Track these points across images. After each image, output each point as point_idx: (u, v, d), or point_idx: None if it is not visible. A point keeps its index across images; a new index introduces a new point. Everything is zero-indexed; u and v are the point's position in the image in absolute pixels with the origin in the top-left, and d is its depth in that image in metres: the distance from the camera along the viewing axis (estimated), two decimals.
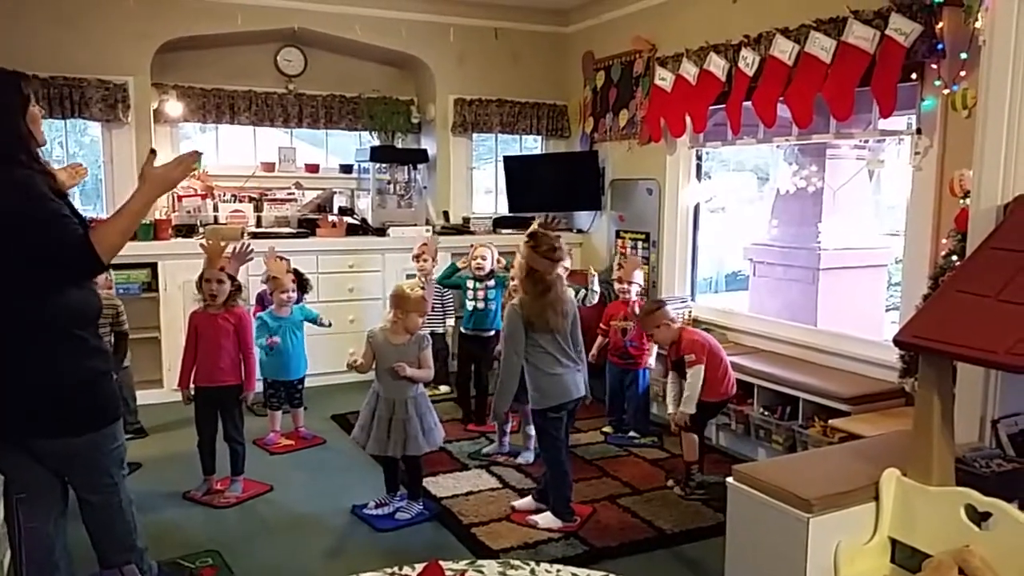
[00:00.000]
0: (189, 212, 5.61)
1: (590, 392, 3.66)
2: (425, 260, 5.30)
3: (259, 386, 4.49)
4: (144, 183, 2.45)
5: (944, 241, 3.55)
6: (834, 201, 6.47)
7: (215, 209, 5.77)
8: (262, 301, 4.84)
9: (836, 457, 2.91)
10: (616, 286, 4.78)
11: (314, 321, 4.60)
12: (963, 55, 3.49)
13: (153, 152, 2.57)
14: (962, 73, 3.52)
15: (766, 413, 4.24)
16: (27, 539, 2.19)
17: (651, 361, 4.62)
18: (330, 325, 4.70)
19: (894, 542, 2.47)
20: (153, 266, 5.22)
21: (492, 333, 4.78)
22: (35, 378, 2.36)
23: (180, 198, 5.63)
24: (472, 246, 5.07)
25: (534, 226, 3.54)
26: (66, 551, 2.59)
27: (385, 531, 3.49)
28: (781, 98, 4.39)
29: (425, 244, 5.39)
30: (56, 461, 2.50)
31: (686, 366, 3.78)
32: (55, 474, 2.53)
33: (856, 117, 4.19)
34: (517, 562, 1.88)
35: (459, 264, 5.10)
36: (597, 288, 4.60)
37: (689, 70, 5.04)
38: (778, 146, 5.52)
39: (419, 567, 1.74)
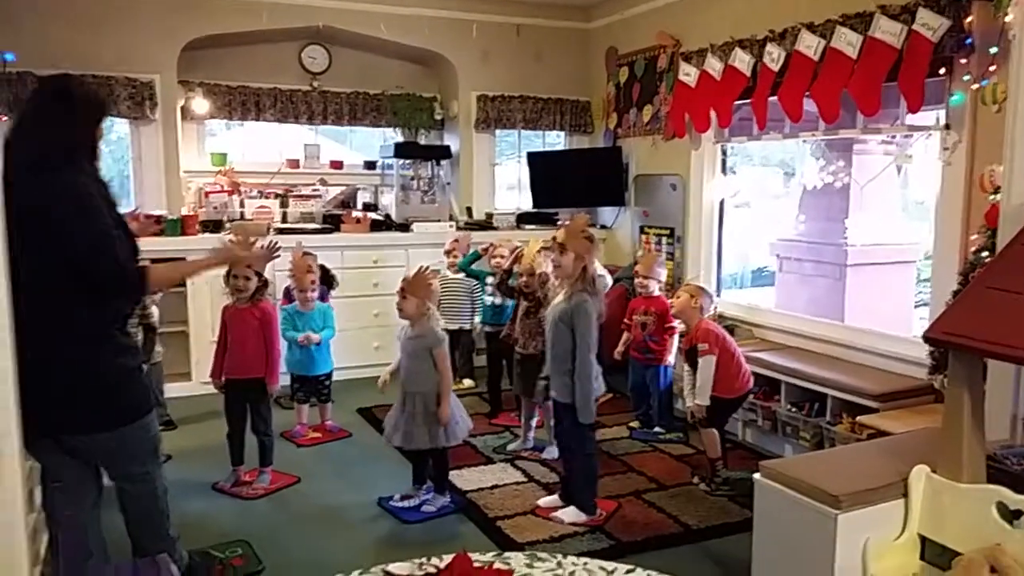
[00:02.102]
0: (216, 208, 5.67)
1: (615, 387, 3.64)
2: (455, 256, 5.38)
3: (286, 379, 4.54)
4: (214, 255, 2.83)
5: (974, 237, 3.51)
6: (861, 197, 6.41)
7: (241, 205, 5.82)
8: (288, 295, 4.88)
9: (864, 453, 2.90)
10: (636, 280, 4.78)
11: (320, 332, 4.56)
12: (992, 49, 3.45)
13: (241, 234, 2.84)
14: (992, 67, 3.48)
15: (793, 409, 4.22)
16: (62, 526, 2.25)
17: (670, 359, 4.61)
18: (319, 344, 4.56)
19: (924, 539, 2.46)
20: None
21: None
22: (66, 376, 2.42)
23: (207, 194, 5.69)
24: (491, 244, 5.09)
25: (580, 221, 3.49)
26: (101, 539, 2.65)
27: (411, 523, 3.52)
28: (807, 93, 4.36)
29: (456, 240, 5.47)
30: (89, 455, 2.55)
31: (698, 355, 3.78)
32: (89, 465, 2.58)
33: (883, 112, 4.15)
34: (544, 555, 1.90)
35: (479, 251, 5.13)
36: (603, 272, 4.57)
37: (714, 65, 5.02)
38: (804, 141, 5.48)
39: (447, 558, 1.76)
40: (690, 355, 3.92)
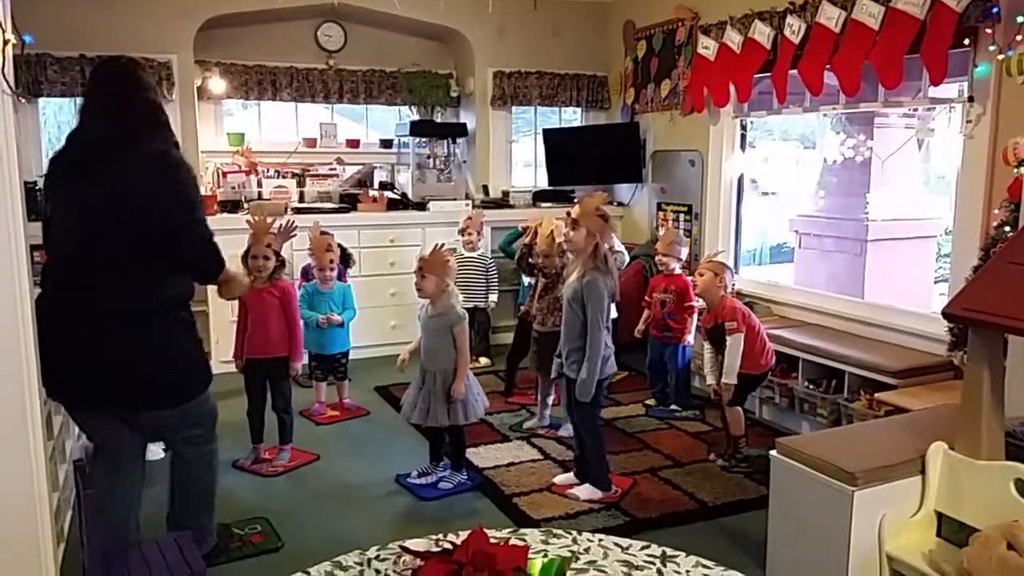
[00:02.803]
0: (234, 188, 5.69)
1: (632, 365, 3.62)
2: (470, 234, 5.40)
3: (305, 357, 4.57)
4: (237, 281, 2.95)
5: (996, 211, 3.46)
6: (882, 171, 6.34)
7: (259, 185, 5.83)
8: (307, 274, 4.91)
9: (882, 430, 2.89)
10: (656, 258, 4.75)
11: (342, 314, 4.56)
12: (1020, 18, 3.38)
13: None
14: (1018, 37, 3.41)
15: (811, 386, 4.19)
16: (86, 504, 2.27)
17: (690, 339, 4.59)
18: (342, 326, 4.59)
19: (940, 516, 2.45)
20: None
21: None
22: (137, 354, 2.46)
23: (225, 174, 5.71)
24: (527, 225, 5.04)
25: (596, 199, 3.47)
26: (135, 516, 2.67)
27: (428, 500, 3.56)
28: (828, 66, 4.30)
29: (470, 218, 5.49)
30: (153, 429, 2.63)
31: (726, 333, 3.75)
32: (142, 438, 2.64)
33: (905, 85, 4.08)
34: (559, 531, 1.91)
35: (520, 228, 5.09)
36: (620, 247, 4.54)
37: (733, 38, 4.95)
38: (825, 115, 5.41)
39: (464, 534, 1.77)
40: (712, 333, 3.88)
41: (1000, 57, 3.50)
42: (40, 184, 5.15)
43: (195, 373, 2.64)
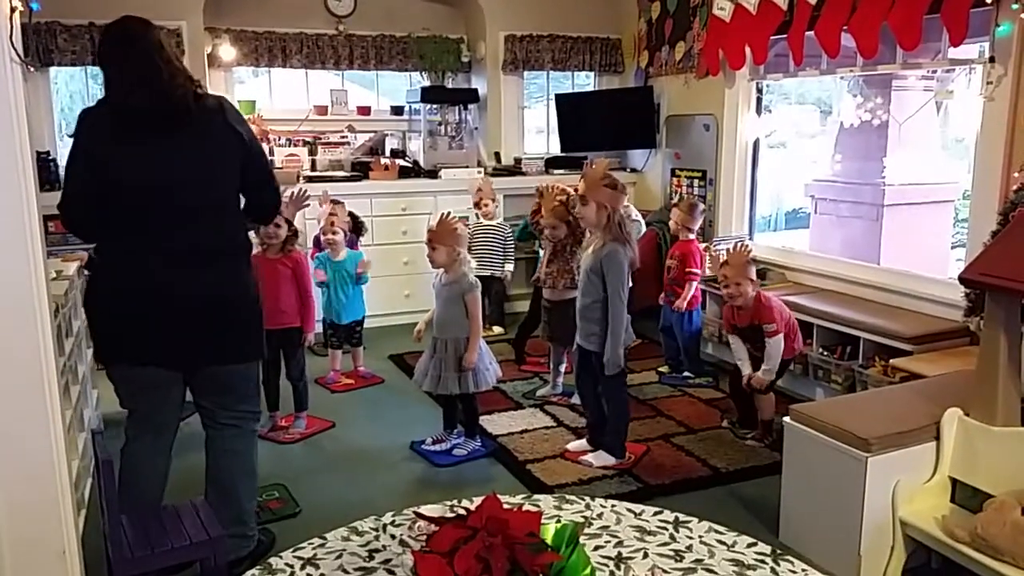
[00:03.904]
0: None
1: (644, 333, 3.59)
2: (486, 204, 5.33)
3: (319, 327, 4.58)
4: None
5: (1016, 175, 3.41)
6: (900, 135, 6.25)
7: (271, 153, 5.81)
8: (318, 244, 4.91)
9: (896, 396, 2.88)
10: (670, 223, 4.72)
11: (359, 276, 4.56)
12: None
13: None
14: None
15: (825, 353, 4.18)
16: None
17: (680, 304, 4.51)
18: (365, 283, 4.59)
19: (955, 482, 2.45)
20: None
21: None
22: (240, 306, 2.48)
23: None
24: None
25: (599, 169, 3.43)
26: (161, 482, 2.65)
27: (443, 466, 3.59)
28: (845, 27, 4.22)
29: (480, 189, 5.40)
30: (217, 387, 2.57)
31: (766, 336, 3.64)
32: (180, 401, 2.63)
33: (924, 46, 4.00)
34: (572, 497, 1.92)
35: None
36: (637, 216, 4.50)
37: None
38: (842, 77, 5.32)
39: (477, 500, 1.79)
40: (746, 331, 3.76)
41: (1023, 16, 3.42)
42: (53, 154, 5.16)
43: (263, 326, 2.62)
